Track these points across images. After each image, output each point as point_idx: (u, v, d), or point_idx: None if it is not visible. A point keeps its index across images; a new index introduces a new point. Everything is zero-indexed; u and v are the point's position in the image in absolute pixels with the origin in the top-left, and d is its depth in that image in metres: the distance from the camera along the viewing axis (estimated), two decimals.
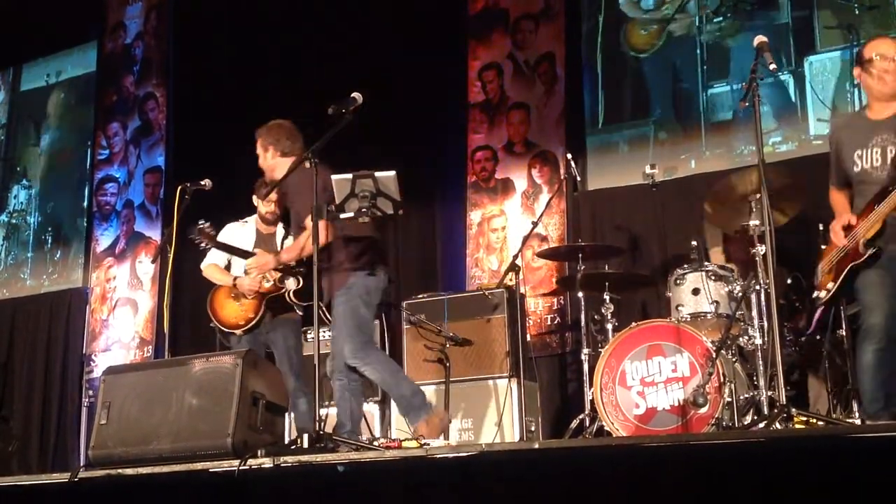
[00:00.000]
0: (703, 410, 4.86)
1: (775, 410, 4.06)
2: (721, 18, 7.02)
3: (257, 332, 5.78)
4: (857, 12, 6.55)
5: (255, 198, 5.99)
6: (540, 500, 3.50)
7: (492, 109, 7.67)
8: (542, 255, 6.77)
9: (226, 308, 5.84)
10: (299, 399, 5.66)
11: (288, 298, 5.68)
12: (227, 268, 6.02)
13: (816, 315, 5.10)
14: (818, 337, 5.37)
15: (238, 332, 5.76)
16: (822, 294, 4.53)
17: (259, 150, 5.41)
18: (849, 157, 4.52)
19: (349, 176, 4.58)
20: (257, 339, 5.80)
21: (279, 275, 5.75)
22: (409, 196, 4.92)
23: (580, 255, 5.83)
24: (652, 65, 7.19)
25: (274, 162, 5.31)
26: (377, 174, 4.61)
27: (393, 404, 6.28)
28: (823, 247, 4.72)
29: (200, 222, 5.76)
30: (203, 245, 5.79)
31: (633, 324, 5.37)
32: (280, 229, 5.99)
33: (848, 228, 4.44)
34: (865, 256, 4.31)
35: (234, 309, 5.78)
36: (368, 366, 4.91)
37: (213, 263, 6.01)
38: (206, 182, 5.88)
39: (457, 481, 3.69)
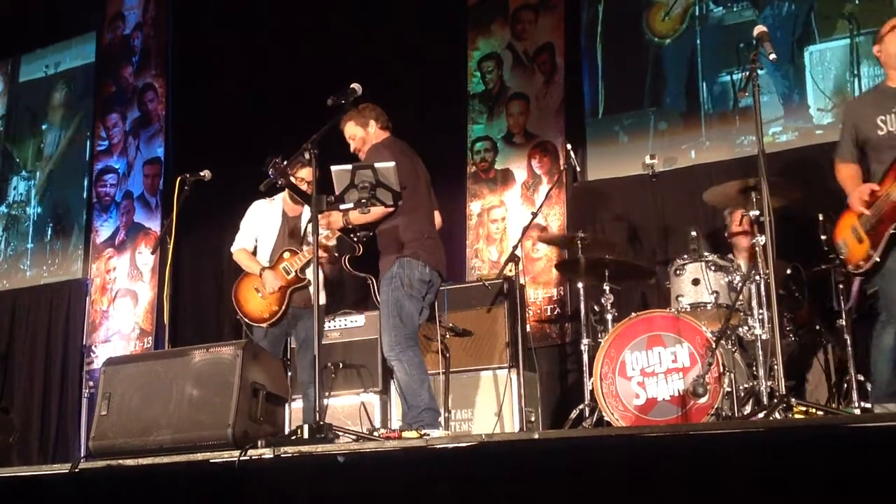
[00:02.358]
0: (702, 400, 4.86)
1: (775, 400, 4.07)
2: (721, 8, 7.01)
3: (282, 324, 5.78)
4: (856, 2, 6.53)
5: (291, 176, 5.78)
6: (540, 490, 3.50)
7: (491, 100, 7.67)
8: (543, 239, 6.77)
9: (251, 302, 5.83)
10: (309, 390, 5.66)
11: (344, 265, 5.65)
12: (254, 253, 6.00)
13: (855, 287, 5.09)
14: (817, 327, 5.38)
15: (264, 325, 5.75)
16: (862, 263, 4.52)
17: (355, 130, 5.34)
18: (871, 123, 4.61)
19: (349, 167, 4.57)
20: (282, 331, 5.80)
21: (300, 266, 5.76)
22: None
23: (580, 246, 5.82)
24: (672, 52, 7.15)
25: (375, 134, 5.32)
26: (376, 165, 4.60)
27: (393, 395, 6.30)
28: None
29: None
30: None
31: (633, 314, 5.37)
32: (306, 210, 5.93)
33: (871, 195, 4.47)
34: None
35: (258, 302, 5.78)
36: (400, 363, 4.95)
37: (242, 248, 5.99)
38: (206, 173, 5.87)
39: (456, 472, 3.69)
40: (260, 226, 5.97)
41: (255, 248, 6.03)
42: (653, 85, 7.16)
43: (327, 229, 5.40)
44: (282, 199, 6.00)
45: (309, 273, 5.78)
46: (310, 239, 5.57)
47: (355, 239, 5.33)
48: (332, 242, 5.65)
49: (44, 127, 10.02)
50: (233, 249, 6.04)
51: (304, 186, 5.65)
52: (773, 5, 6.80)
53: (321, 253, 5.64)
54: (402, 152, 5.20)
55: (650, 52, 7.21)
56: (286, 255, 5.83)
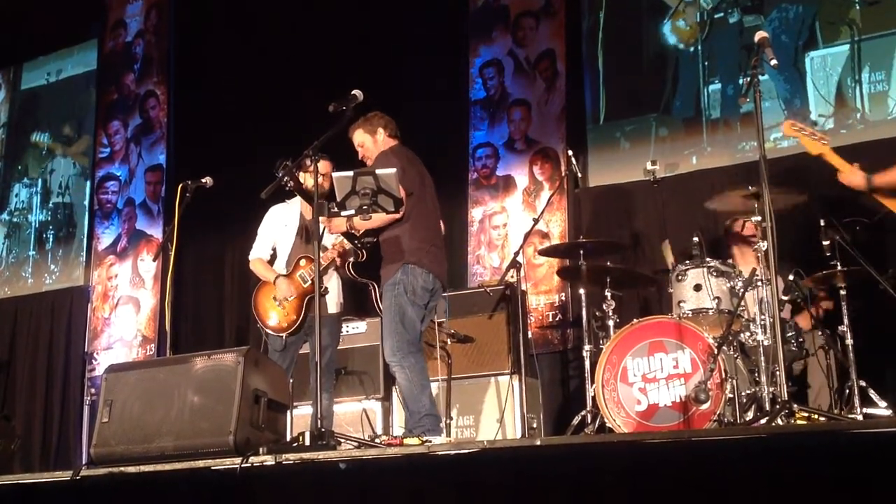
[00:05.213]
0: (704, 407, 4.85)
1: (777, 406, 4.06)
2: (722, 14, 7.01)
3: (300, 333, 5.74)
4: (857, 7, 6.54)
5: (301, 174, 5.56)
6: (542, 497, 3.50)
7: (493, 106, 7.67)
8: (543, 253, 6.76)
9: (269, 312, 5.73)
10: (322, 395, 5.66)
11: (347, 270, 5.65)
12: (271, 261, 5.92)
13: None
14: (819, 332, 5.37)
15: (283, 335, 5.71)
16: None
17: (364, 138, 5.38)
18: None
19: (350, 173, 4.59)
20: (300, 339, 5.77)
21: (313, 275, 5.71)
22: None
23: (581, 252, 5.82)
24: (686, 58, 7.15)
25: (383, 142, 5.36)
26: (378, 171, 4.62)
27: (395, 401, 6.31)
28: None
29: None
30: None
31: (635, 320, 5.37)
32: None
33: None
34: None
35: (277, 312, 5.71)
36: (402, 369, 4.98)
37: (259, 258, 5.90)
38: (208, 179, 5.86)
39: (459, 479, 3.68)
40: (276, 231, 5.90)
41: (274, 254, 5.94)
42: (662, 90, 7.13)
43: (331, 234, 5.40)
44: (299, 200, 5.88)
45: (325, 280, 5.74)
46: (325, 242, 5.59)
47: (359, 245, 5.35)
48: (349, 246, 5.61)
49: (45, 134, 10.03)
50: (249, 258, 5.99)
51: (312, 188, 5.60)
52: (780, 9, 6.80)
53: (337, 258, 5.65)
54: (410, 160, 5.22)
55: (668, 57, 7.19)
56: (302, 262, 5.73)
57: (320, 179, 5.38)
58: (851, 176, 4.88)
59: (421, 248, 5.08)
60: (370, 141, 5.35)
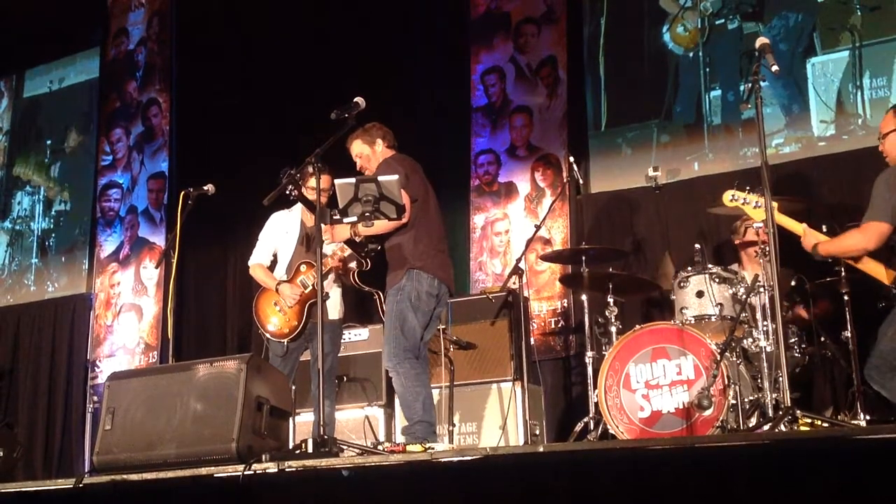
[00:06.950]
0: (707, 413, 4.85)
1: (780, 413, 4.06)
2: (723, 20, 7.02)
3: (301, 338, 5.74)
4: (858, 13, 6.54)
5: (303, 186, 5.62)
6: (544, 503, 3.50)
7: (494, 113, 7.68)
8: (545, 258, 6.77)
9: (271, 317, 5.74)
10: (324, 402, 5.66)
11: (352, 280, 5.66)
12: (271, 267, 5.93)
13: None
14: (822, 338, 5.36)
15: (285, 340, 5.71)
16: None
17: (362, 149, 5.40)
18: None
19: (352, 180, 4.59)
20: (301, 345, 5.78)
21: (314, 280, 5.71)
22: None
23: (583, 258, 5.82)
24: (687, 64, 7.15)
25: (382, 152, 5.39)
26: (380, 178, 4.63)
27: (397, 408, 6.30)
28: None
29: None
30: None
31: (637, 326, 5.36)
32: None
33: None
34: None
35: (278, 318, 5.71)
36: (397, 375, 5.00)
37: (258, 263, 5.91)
38: (210, 187, 5.86)
39: (461, 485, 3.68)
40: (278, 238, 5.91)
41: (275, 260, 5.94)
42: (663, 96, 7.13)
43: (332, 242, 5.40)
44: (300, 208, 5.90)
45: (327, 286, 5.74)
46: (325, 250, 5.59)
47: (363, 253, 5.37)
48: (347, 253, 5.62)
49: (47, 142, 10.05)
50: (249, 264, 5.99)
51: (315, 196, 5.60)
52: (780, 16, 6.80)
53: (337, 264, 5.65)
54: (413, 168, 5.24)
55: (669, 63, 7.20)
56: (303, 267, 5.73)
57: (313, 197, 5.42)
58: (807, 239, 4.70)
59: (426, 253, 5.10)
60: (369, 151, 5.37)
